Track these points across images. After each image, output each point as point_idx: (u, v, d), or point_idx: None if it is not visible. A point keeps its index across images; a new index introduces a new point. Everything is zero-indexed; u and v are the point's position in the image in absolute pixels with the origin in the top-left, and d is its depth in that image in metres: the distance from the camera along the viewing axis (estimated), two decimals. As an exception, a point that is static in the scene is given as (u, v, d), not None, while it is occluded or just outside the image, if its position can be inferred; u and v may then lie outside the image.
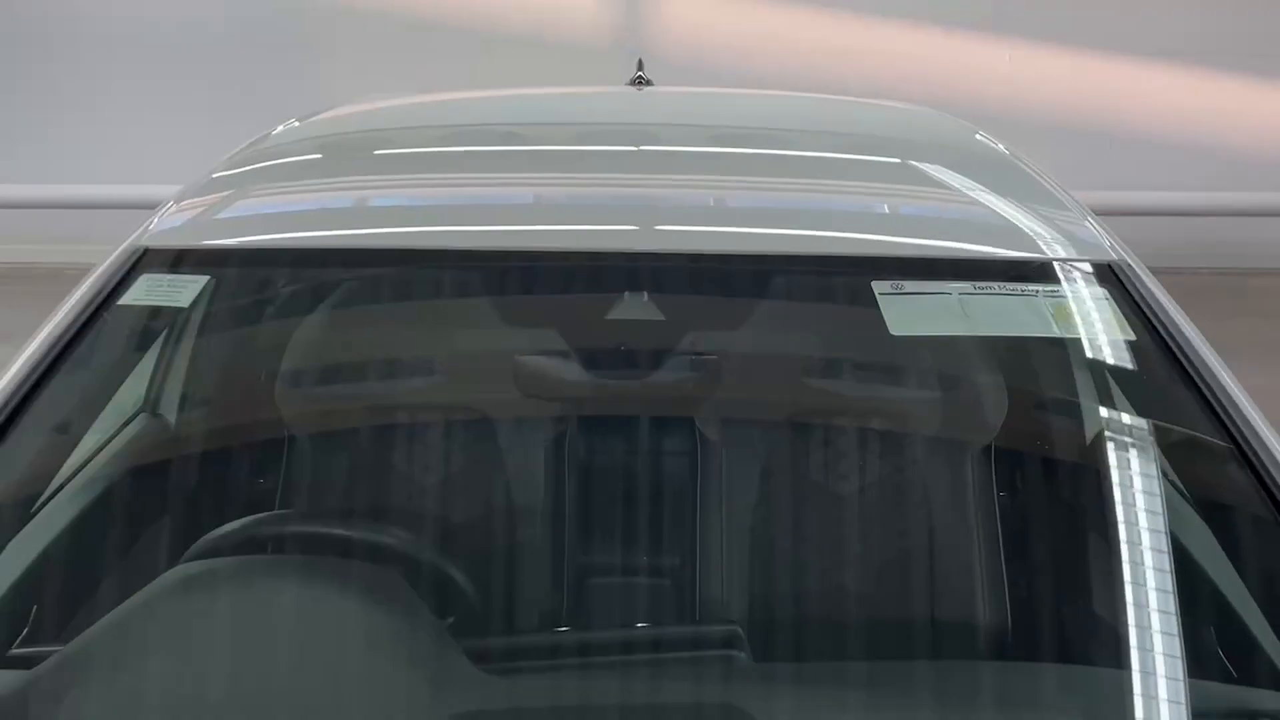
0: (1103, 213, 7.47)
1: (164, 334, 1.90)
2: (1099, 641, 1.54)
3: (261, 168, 1.97)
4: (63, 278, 8.50)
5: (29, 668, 1.33)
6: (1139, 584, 1.39)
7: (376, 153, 2.17)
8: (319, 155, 2.12)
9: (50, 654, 1.35)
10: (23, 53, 7.60)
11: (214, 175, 1.90)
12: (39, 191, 7.36)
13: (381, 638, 1.32)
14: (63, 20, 7.57)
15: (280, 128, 2.19)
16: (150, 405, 1.96)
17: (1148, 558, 1.40)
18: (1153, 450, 1.55)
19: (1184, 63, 7.67)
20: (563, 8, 7.53)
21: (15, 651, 1.47)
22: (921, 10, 7.58)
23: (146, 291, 1.65)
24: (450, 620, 1.46)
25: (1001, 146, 2.24)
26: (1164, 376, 1.53)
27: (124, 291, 1.63)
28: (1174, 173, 7.58)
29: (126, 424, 1.93)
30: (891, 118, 2.70)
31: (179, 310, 1.76)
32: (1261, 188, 7.63)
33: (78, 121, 7.58)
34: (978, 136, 2.32)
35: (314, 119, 2.29)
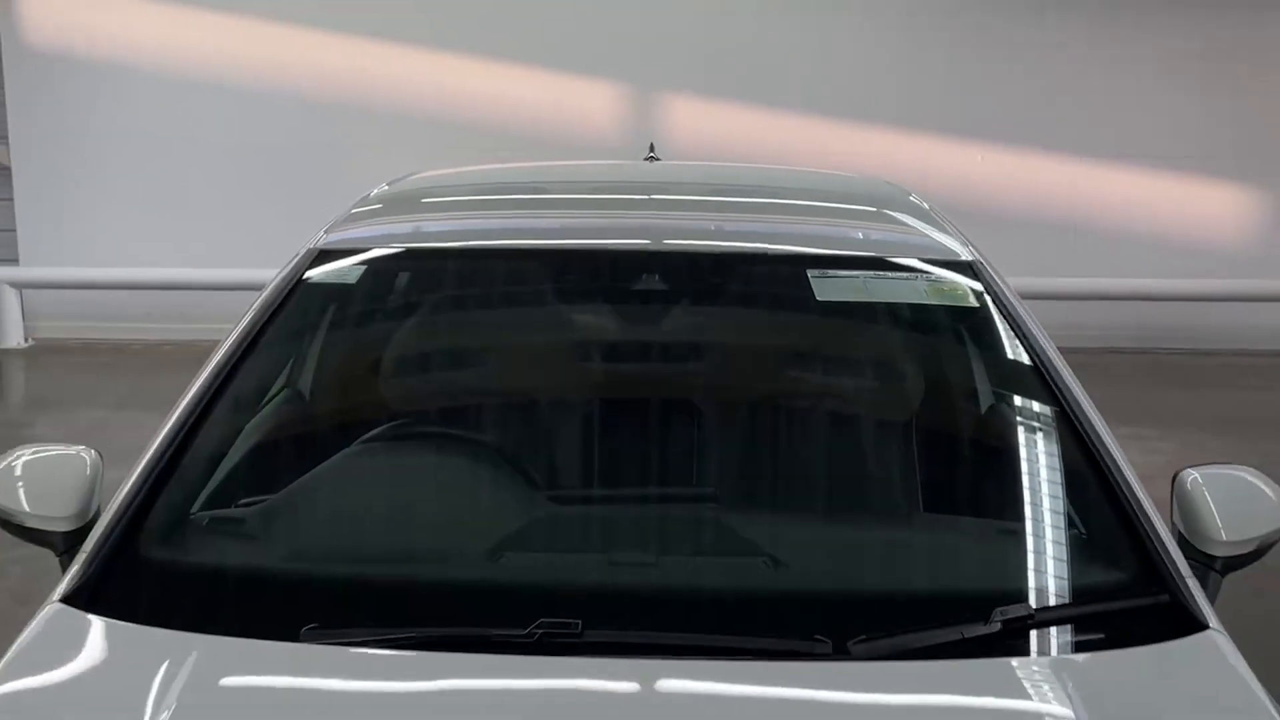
0: (1061, 297, 7.65)
1: (342, 296, 2.63)
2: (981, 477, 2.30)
3: (383, 205, 2.84)
4: (126, 352, 8.67)
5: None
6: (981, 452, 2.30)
7: (466, 196, 3.08)
8: (425, 197, 3.04)
9: (264, 500, 2.08)
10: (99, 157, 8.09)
11: (352, 211, 2.73)
12: (103, 274, 7.78)
13: (485, 483, 2.16)
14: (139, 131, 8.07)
15: (375, 190, 2.98)
16: (348, 339, 2.68)
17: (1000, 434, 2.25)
18: (1000, 381, 2.37)
19: (1140, 164, 8.05)
20: (586, 112, 8.06)
21: (241, 501, 2.13)
22: (901, 116, 7.96)
23: (324, 276, 2.46)
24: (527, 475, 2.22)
25: (926, 204, 2.96)
26: (1002, 332, 2.35)
27: (310, 276, 2.42)
28: (1129, 261, 7.92)
29: (302, 361, 2.63)
30: (843, 179, 3.71)
31: (349, 286, 2.58)
32: (1213, 275, 7.96)
33: (146, 214, 8.04)
34: (911, 197, 3.05)
35: (404, 179, 3.12)
